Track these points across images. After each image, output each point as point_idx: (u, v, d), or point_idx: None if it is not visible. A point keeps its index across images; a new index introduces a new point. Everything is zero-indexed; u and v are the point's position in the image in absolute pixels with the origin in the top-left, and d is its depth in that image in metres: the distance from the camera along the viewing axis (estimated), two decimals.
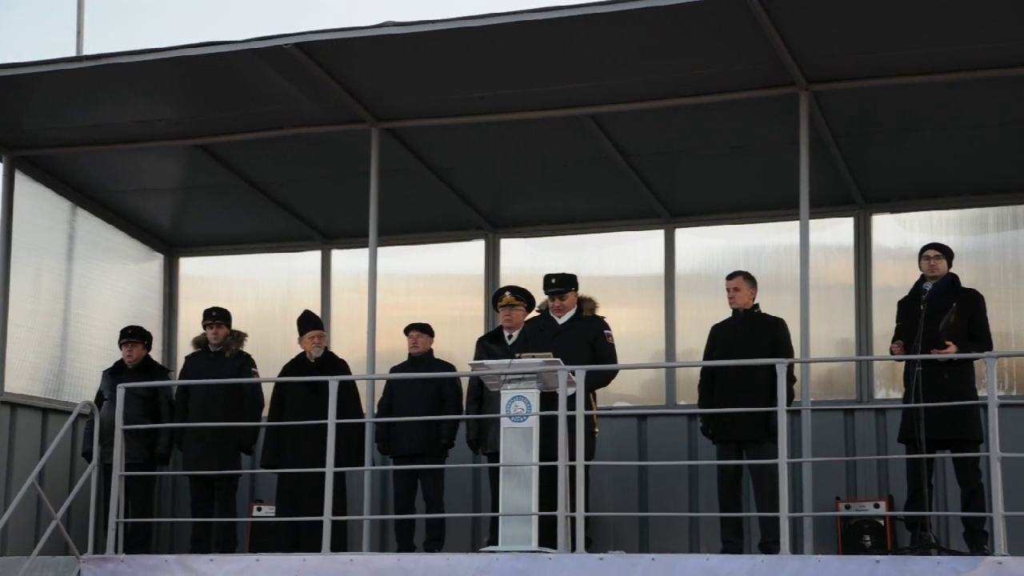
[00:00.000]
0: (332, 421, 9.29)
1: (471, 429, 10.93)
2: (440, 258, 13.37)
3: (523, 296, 10.81)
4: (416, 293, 13.23)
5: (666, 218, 12.61)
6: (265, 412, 11.61)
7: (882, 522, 10.74)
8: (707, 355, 10.33)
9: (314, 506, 9.72)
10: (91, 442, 10.39)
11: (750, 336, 10.08)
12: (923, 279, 9.86)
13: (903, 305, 9.94)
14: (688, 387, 11.63)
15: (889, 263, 12.10)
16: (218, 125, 11.45)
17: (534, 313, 10.70)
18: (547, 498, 8.93)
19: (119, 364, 11.78)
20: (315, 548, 9.37)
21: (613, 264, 12.83)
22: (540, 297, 10.63)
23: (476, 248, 13.18)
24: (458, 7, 9.59)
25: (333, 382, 9.40)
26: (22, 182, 12.12)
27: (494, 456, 10.11)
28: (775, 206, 12.01)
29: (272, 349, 12.66)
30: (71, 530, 9.97)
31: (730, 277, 10.36)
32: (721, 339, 10.26)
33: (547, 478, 8.98)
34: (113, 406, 9.96)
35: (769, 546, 9.44)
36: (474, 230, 13.11)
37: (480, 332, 12.16)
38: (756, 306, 10.28)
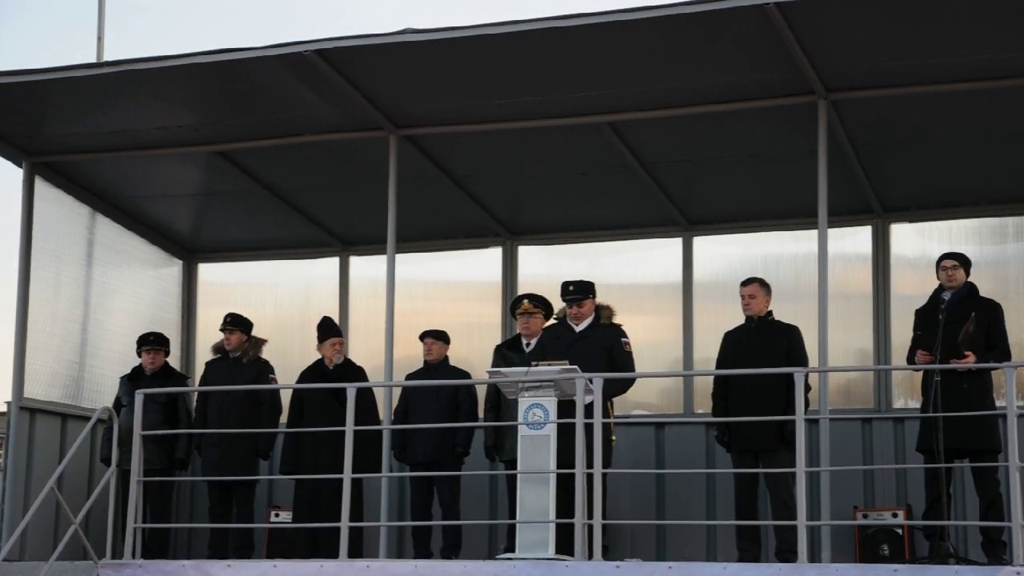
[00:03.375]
0: (350, 428, 9.30)
1: (488, 436, 10.94)
2: (458, 265, 13.38)
3: (541, 304, 10.81)
4: (434, 300, 13.25)
5: (684, 226, 12.61)
6: (283, 418, 11.64)
7: (900, 531, 10.71)
8: (720, 362, 10.32)
9: (331, 512, 9.73)
10: (110, 448, 10.42)
11: (764, 343, 10.06)
12: (941, 288, 9.84)
13: (921, 314, 9.92)
14: (706, 395, 11.60)
15: (907, 272, 12.07)
16: (237, 131, 11.48)
17: (552, 321, 10.70)
18: (564, 505, 8.93)
19: (137, 370, 11.82)
20: (332, 554, 9.38)
21: (631, 272, 12.83)
22: (558, 305, 10.63)
23: (494, 255, 13.20)
24: (477, 14, 9.60)
25: (351, 389, 9.42)
26: (42, 188, 12.16)
27: (511, 463, 10.11)
28: (793, 214, 12.01)
29: (290, 355, 12.68)
30: (89, 535, 9.99)
31: (745, 284, 10.35)
32: (734, 346, 10.25)
33: (564, 486, 8.98)
34: (132, 412, 9.99)
35: (786, 555, 9.42)
36: (492, 237, 13.13)
37: (497, 339, 12.17)
38: (770, 313, 10.27)
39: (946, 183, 11.68)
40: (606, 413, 9.27)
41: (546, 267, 12.97)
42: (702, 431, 11.88)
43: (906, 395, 11.89)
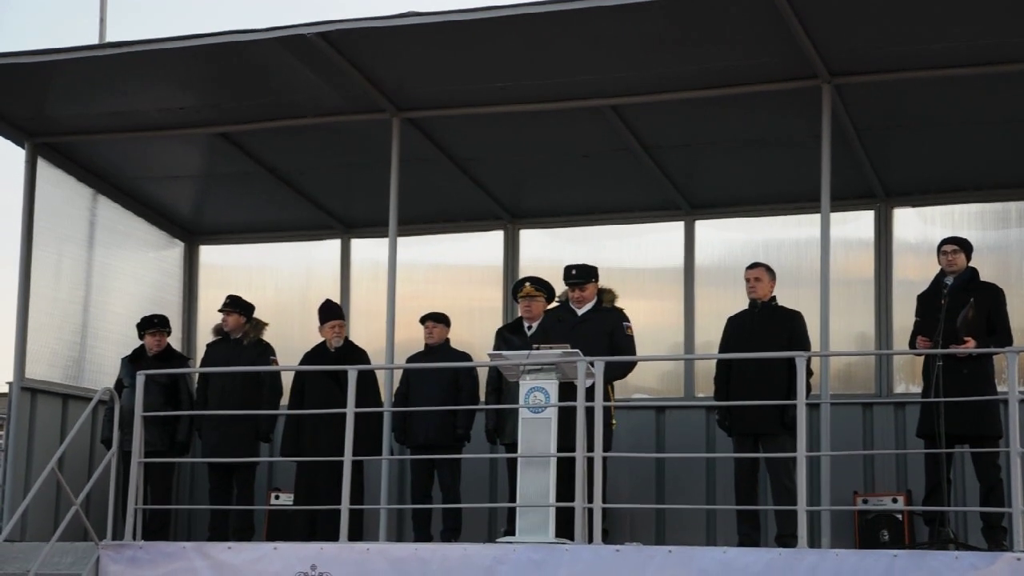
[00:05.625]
0: (351, 410, 9.30)
1: (489, 419, 10.94)
2: (460, 248, 13.37)
3: (543, 287, 10.80)
4: (435, 283, 13.24)
5: (686, 210, 12.60)
6: (284, 400, 11.64)
7: (900, 517, 10.72)
8: (723, 347, 10.32)
9: (331, 495, 9.74)
10: (111, 429, 10.43)
11: (767, 328, 10.06)
12: (943, 273, 9.83)
13: (923, 299, 9.91)
14: (706, 380, 11.61)
15: (910, 257, 12.07)
16: (239, 113, 11.47)
17: (553, 304, 10.70)
18: (564, 489, 8.93)
19: (138, 351, 11.81)
20: (332, 537, 9.39)
21: (632, 256, 12.82)
22: (560, 288, 10.63)
23: (496, 238, 13.19)
24: None
25: (352, 371, 9.42)
26: (44, 169, 12.16)
27: (512, 446, 10.11)
28: (796, 199, 11.99)
29: (291, 337, 12.68)
30: (90, 516, 10.00)
31: (751, 267, 10.34)
32: (737, 331, 10.25)
33: (564, 469, 8.98)
34: (133, 393, 9.99)
35: (786, 539, 9.43)
36: (494, 220, 13.12)
37: (498, 323, 12.16)
38: (773, 298, 10.27)
39: (949, 168, 11.66)
40: (607, 397, 9.29)
41: (548, 251, 12.97)
42: (702, 415, 11.89)
43: (907, 380, 11.89)
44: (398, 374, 11.33)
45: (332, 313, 11.48)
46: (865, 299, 12.10)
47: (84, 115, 11.62)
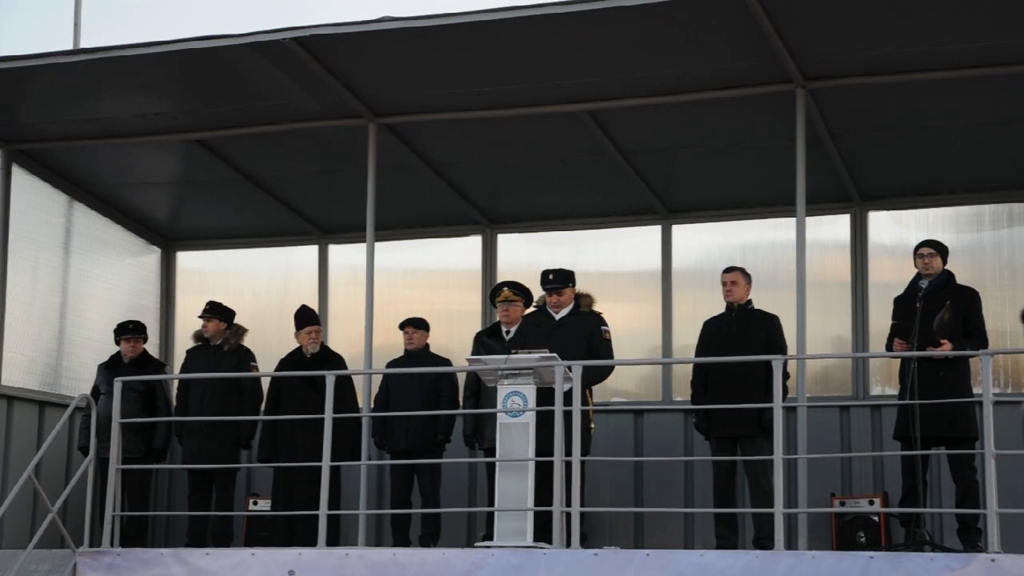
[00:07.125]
0: (329, 416, 9.30)
1: (468, 424, 10.95)
2: (437, 253, 13.37)
3: (521, 292, 10.81)
4: (413, 288, 13.24)
5: (663, 214, 12.63)
6: (262, 407, 11.62)
7: (876, 518, 10.76)
8: (700, 350, 10.35)
9: (310, 500, 9.73)
10: (88, 436, 10.38)
11: (743, 332, 10.10)
12: (919, 276, 9.88)
13: (899, 302, 9.96)
14: (684, 383, 11.63)
15: (885, 260, 12.12)
16: (215, 119, 11.45)
17: (531, 309, 10.71)
18: (543, 493, 8.94)
19: (115, 358, 11.77)
20: (311, 542, 9.38)
21: (610, 260, 12.85)
22: (538, 292, 10.64)
23: (473, 243, 13.20)
24: (456, 2, 9.61)
25: (330, 377, 9.41)
26: (19, 175, 12.12)
27: (491, 451, 10.12)
28: (772, 203, 12.02)
29: (269, 343, 12.65)
30: (67, 524, 9.98)
31: (728, 271, 10.38)
32: (714, 334, 10.28)
33: (543, 473, 8.99)
34: (110, 400, 9.96)
35: (763, 542, 9.46)
36: (471, 225, 13.13)
37: (477, 327, 12.18)
38: (750, 302, 10.31)
39: (923, 171, 11.71)
40: (585, 401, 9.30)
41: (525, 255, 12.98)
42: (681, 419, 11.92)
43: (883, 382, 11.93)
44: (376, 379, 11.33)
45: (308, 319, 11.45)
46: (841, 302, 12.14)
47: (59, 121, 11.60)
